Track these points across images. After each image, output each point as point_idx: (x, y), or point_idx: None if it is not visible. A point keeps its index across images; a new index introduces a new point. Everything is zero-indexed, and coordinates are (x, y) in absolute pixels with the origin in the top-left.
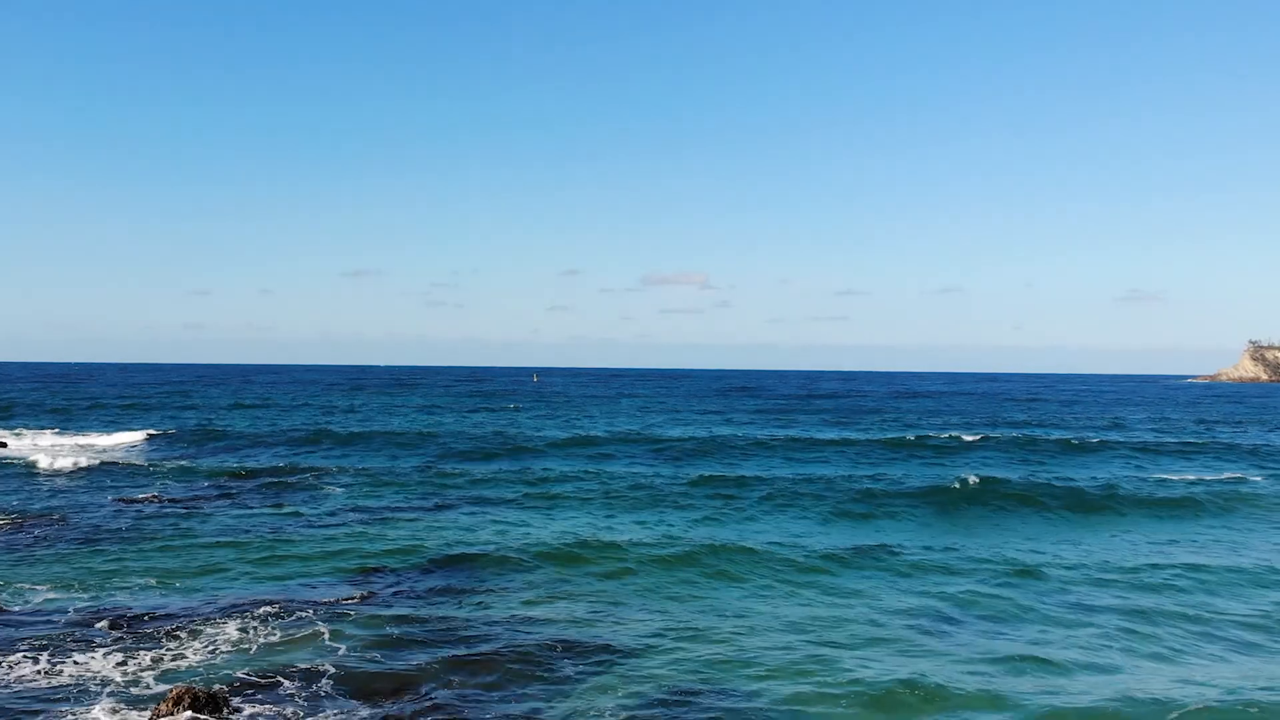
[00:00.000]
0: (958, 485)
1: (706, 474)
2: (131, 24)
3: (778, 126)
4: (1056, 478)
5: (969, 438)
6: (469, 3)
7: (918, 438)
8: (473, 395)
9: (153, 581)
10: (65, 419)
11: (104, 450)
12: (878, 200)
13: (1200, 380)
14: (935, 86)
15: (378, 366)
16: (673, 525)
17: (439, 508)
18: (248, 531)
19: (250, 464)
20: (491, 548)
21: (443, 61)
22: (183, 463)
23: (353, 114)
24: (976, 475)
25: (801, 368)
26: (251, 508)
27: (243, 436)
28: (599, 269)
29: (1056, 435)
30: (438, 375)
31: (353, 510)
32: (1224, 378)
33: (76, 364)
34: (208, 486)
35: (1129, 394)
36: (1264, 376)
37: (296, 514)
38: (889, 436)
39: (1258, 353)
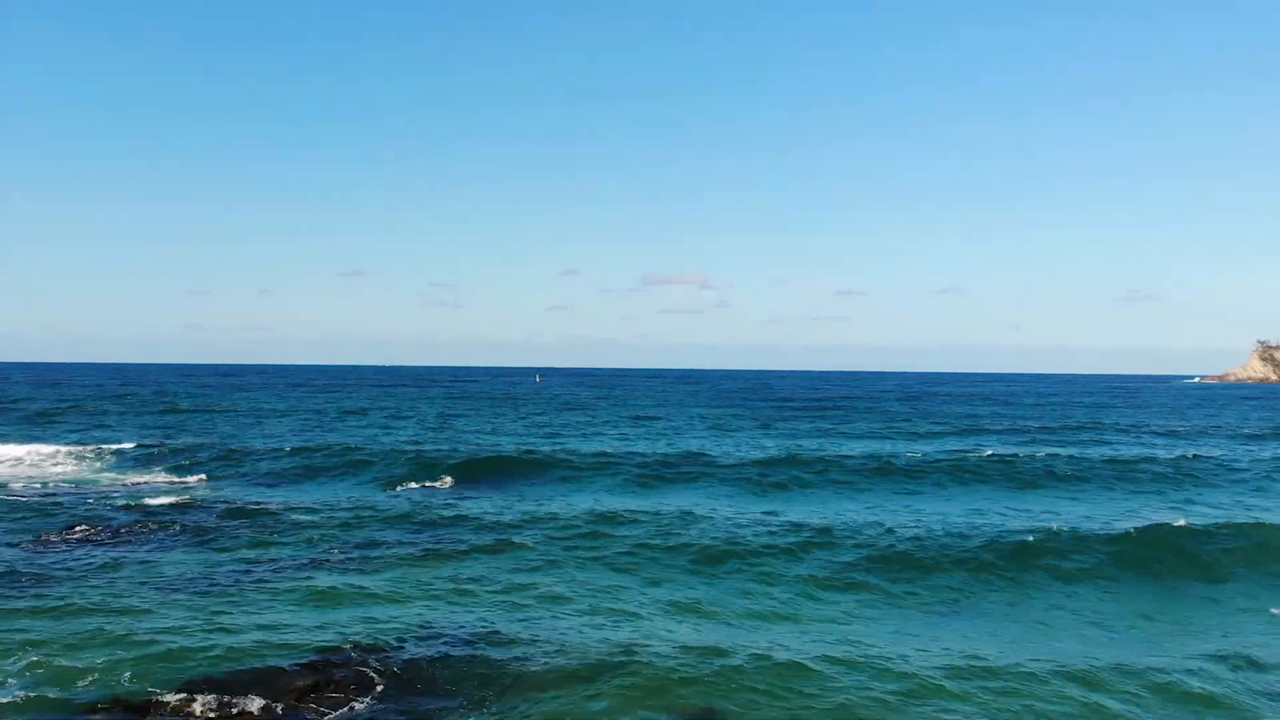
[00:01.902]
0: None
1: (799, 519)
2: (129, 25)
3: (777, 126)
4: None
5: (1104, 454)
6: (467, 4)
7: (1047, 455)
8: (474, 398)
9: None
10: (18, 426)
11: (30, 464)
12: (877, 200)
13: (1209, 380)
14: (934, 84)
15: (375, 367)
16: (794, 621)
17: (433, 560)
18: (170, 592)
19: (208, 489)
20: (517, 648)
21: (440, 59)
22: (126, 480)
23: (350, 113)
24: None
25: (802, 368)
26: (193, 552)
27: (210, 449)
28: (598, 269)
29: (1210, 452)
30: (437, 376)
31: (314, 562)
32: (1232, 378)
33: (61, 364)
34: (139, 519)
35: (1165, 396)
36: (1273, 377)
37: (242, 567)
38: (1006, 452)
39: (1266, 353)
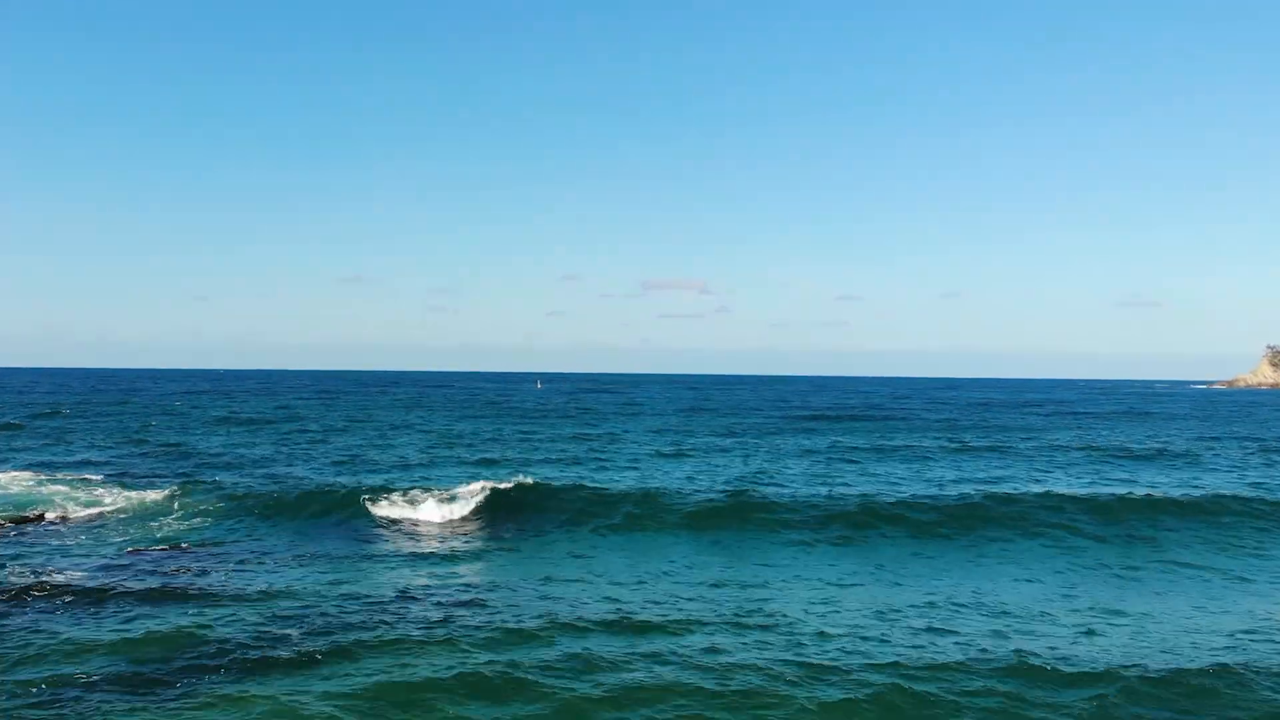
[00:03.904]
0: None
1: (937, 600)
2: (128, 26)
3: (776, 131)
4: None
5: None
6: (465, 8)
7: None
8: (476, 406)
9: None
10: None
11: None
12: (876, 204)
13: (1219, 386)
14: (934, 89)
15: (374, 372)
16: None
17: (409, 706)
18: None
19: (151, 532)
20: None
21: (439, 66)
22: (52, 515)
23: (349, 119)
24: None
25: (803, 373)
26: (78, 638)
27: (172, 477)
28: (598, 274)
29: None
30: (437, 381)
31: (239, 677)
32: (1242, 383)
33: (57, 369)
34: (28, 579)
35: (1214, 405)
36: None
37: (138, 697)
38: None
39: (1278, 358)
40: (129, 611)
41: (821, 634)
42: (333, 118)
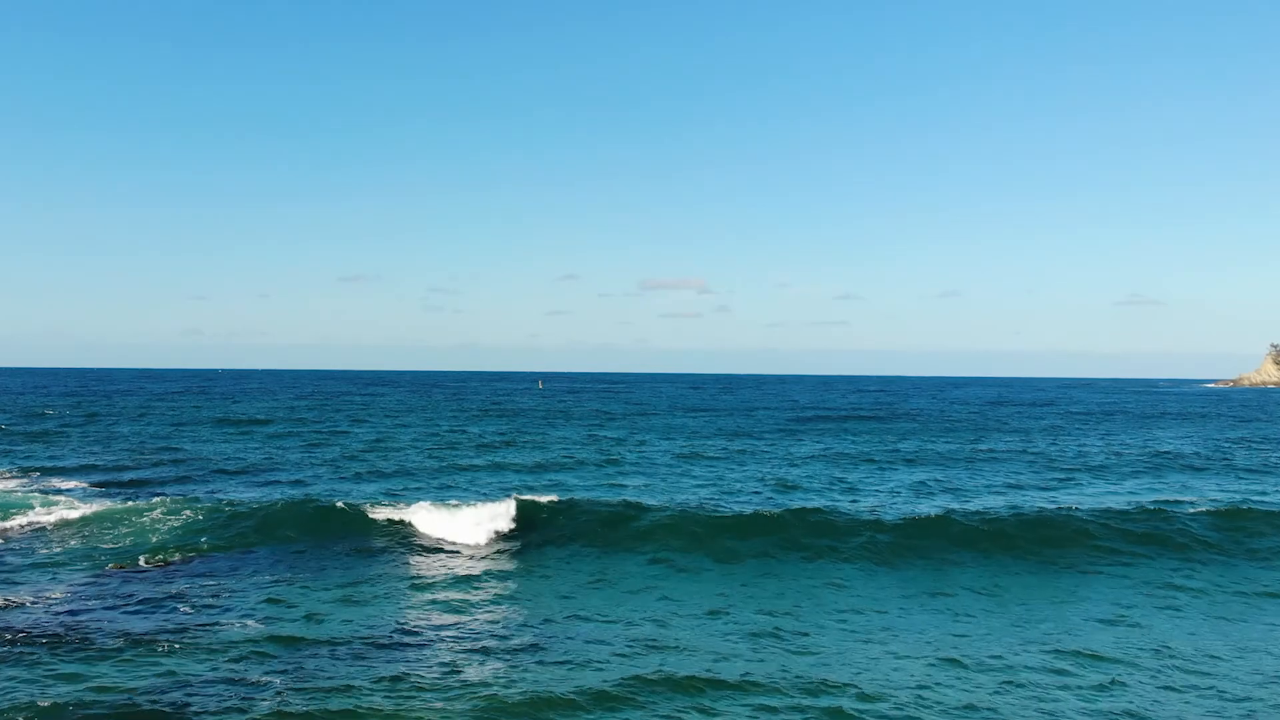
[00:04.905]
0: None
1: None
2: (127, 26)
3: (775, 131)
4: None
5: None
6: (465, 8)
7: None
8: (478, 406)
9: None
10: None
11: None
12: (876, 204)
13: (1223, 385)
14: (933, 89)
15: (374, 371)
16: None
17: None
18: None
19: (107, 544)
20: None
21: (439, 65)
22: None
23: (348, 118)
24: None
25: (803, 372)
26: None
27: (150, 489)
28: (597, 274)
29: None
30: (438, 381)
31: None
32: (1246, 382)
33: (56, 370)
34: None
35: (1221, 405)
36: None
37: None
38: None
39: None
40: (89, 656)
41: (897, 701)
42: (333, 117)
